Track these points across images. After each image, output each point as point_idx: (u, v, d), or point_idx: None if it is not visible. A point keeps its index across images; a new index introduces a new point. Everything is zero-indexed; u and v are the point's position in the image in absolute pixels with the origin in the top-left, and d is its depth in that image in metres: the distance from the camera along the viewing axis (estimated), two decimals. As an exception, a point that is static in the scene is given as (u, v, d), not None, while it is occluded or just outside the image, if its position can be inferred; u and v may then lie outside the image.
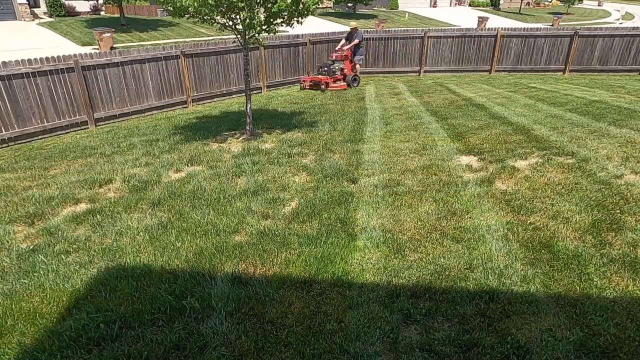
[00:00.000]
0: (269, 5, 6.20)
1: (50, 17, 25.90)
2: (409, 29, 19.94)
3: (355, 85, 12.18)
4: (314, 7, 6.39)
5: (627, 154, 5.10)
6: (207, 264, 3.33)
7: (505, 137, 6.37)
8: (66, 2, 26.69)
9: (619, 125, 6.58)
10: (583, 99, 9.17)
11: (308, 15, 6.51)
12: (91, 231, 4.01)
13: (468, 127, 7.16)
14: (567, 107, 8.33)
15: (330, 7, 36.60)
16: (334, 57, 11.96)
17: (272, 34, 6.72)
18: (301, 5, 6.26)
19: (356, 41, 11.78)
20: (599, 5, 48.27)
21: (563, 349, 2.34)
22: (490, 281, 2.96)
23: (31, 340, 2.60)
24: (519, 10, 39.18)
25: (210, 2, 5.89)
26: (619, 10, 38.22)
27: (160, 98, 10.21)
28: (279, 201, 4.47)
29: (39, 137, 8.31)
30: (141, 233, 3.89)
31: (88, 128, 8.97)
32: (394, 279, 3.05)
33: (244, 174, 5.35)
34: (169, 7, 6.26)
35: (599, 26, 16.68)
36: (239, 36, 6.86)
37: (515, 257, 3.23)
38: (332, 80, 11.66)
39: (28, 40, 19.56)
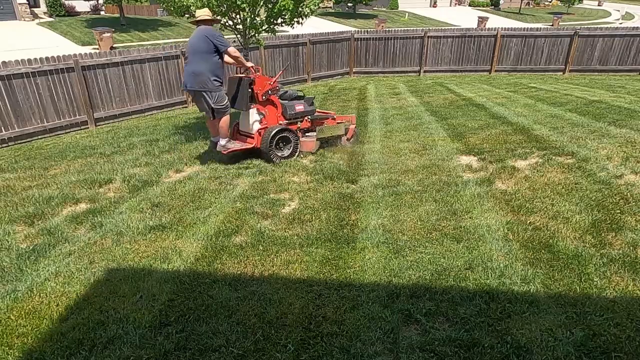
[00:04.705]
0: (269, 6, 6.20)
1: (50, 17, 25.89)
2: (409, 28, 19.95)
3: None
4: (315, 8, 6.38)
5: (627, 154, 5.10)
6: (208, 264, 3.33)
7: (505, 137, 6.37)
8: (66, 2, 26.66)
9: (619, 125, 6.58)
10: (583, 99, 9.17)
11: (309, 15, 6.51)
12: (91, 231, 4.01)
13: (468, 127, 7.16)
14: (567, 107, 8.33)
15: (330, 7, 36.58)
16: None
17: (272, 34, 6.72)
18: (302, 9, 6.27)
19: (232, 51, 5.38)
20: (599, 5, 48.24)
21: (563, 349, 2.34)
22: (490, 281, 2.96)
23: (32, 342, 2.60)
24: (519, 10, 39.17)
25: (213, 1, 5.89)
26: (619, 10, 38.25)
27: (160, 98, 10.22)
28: (279, 201, 4.47)
29: (39, 137, 8.31)
30: (141, 233, 3.89)
31: (88, 128, 8.97)
32: (394, 279, 3.05)
33: (243, 174, 5.35)
34: (169, 7, 6.27)
35: (599, 26, 16.69)
36: (239, 36, 6.87)
37: (515, 257, 3.23)
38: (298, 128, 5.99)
39: (28, 40, 19.56)
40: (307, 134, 6.05)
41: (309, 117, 6.00)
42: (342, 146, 6.35)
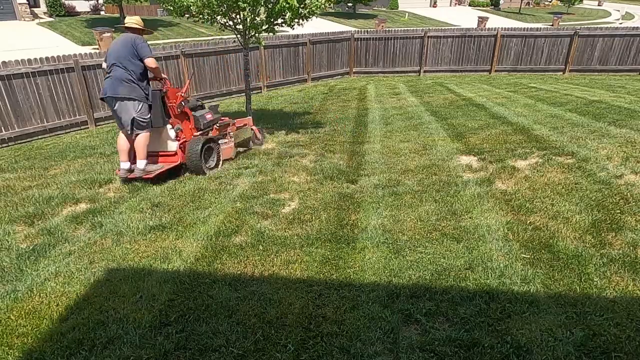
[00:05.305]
0: (269, 6, 6.19)
1: (50, 17, 25.90)
2: (409, 28, 19.95)
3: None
4: (317, 10, 6.36)
5: (627, 154, 5.10)
6: (208, 264, 3.33)
7: (505, 137, 6.37)
8: (66, 2, 26.68)
9: (619, 125, 6.58)
10: (583, 99, 9.17)
11: (311, 17, 6.49)
12: (91, 231, 4.01)
13: (468, 127, 7.17)
14: (567, 107, 8.33)
15: (330, 7, 36.60)
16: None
17: (272, 34, 6.72)
18: (305, 11, 6.24)
19: (150, 62, 4.93)
20: (599, 5, 48.25)
21: (563, 349, 2.34)
22: (490, 281, 2.96)
23: (32, 342, 2.60)
24: (519, 10, 39.17)
25: (213, 1, 5.89)
26: (619, 10, 38.26)
27: (160, 98, 10.20)
28: (279, 202, 4.47)
29: (39, 137, 8.31)
30: (141, 233, 3.89)
31: (88, 128, 8.97)
32: (394, 279, 3.05)
33: (243, 174, 5.35)
34: (169, 7, 6.27)
35: (599, 26, 16.69)
36: (239, 36, 6.87)
37: (516, 257, 3.23)
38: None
39: (28, 40, 19.56)
40: (219, 142, 5.76)
41: (217, 124, 5.82)
42: (255, 148, 6.59)
